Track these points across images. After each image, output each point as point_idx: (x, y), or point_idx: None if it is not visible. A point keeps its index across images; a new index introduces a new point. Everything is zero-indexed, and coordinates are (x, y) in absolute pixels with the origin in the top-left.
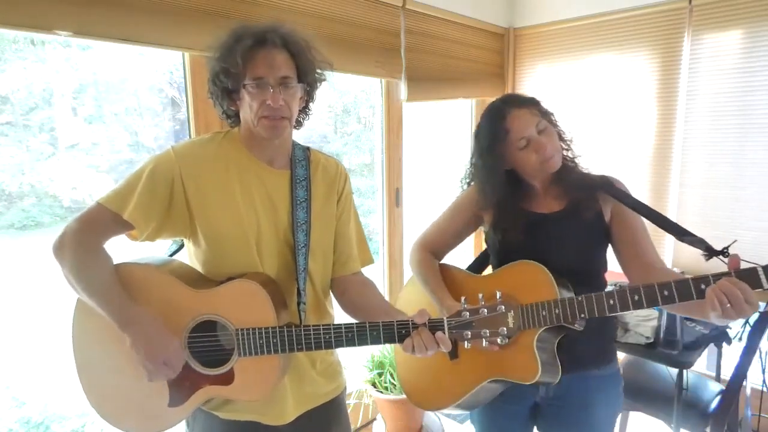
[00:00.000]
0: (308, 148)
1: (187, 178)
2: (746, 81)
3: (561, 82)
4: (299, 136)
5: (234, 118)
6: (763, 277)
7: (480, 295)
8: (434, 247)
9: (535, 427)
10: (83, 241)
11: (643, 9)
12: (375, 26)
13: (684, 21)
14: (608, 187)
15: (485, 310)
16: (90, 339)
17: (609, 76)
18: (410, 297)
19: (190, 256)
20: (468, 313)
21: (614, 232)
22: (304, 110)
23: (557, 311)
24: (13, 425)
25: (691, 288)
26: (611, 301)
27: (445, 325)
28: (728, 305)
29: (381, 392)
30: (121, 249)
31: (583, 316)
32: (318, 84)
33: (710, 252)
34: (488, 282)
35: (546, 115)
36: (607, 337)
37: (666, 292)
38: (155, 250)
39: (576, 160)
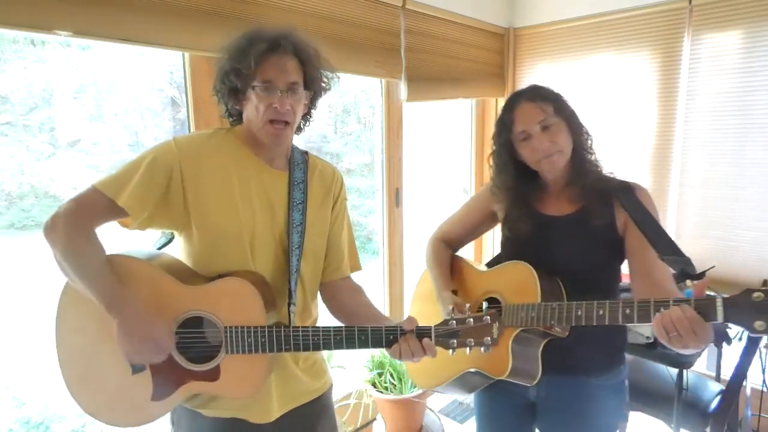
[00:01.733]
0: (306, 153)
1: (187, 170)
2: (746, 81)
3: (561, 82)
4: (301, 137)
5: (236, 117)
6: (720, 309)
7: (467, 305)
8: (449, 237)
9: (537, 429)
10: (76, 223)
11: (643, 9)
12: (375, 26)
13: (684, 21)
14: (624, 194)
15: (471, 320)
16: (74, 329)
17: (609, 76)
18: (424, 288)
19: (180, 250)
20: (455, 322)
21: (626, 243)
22: (306, 117)
23: (533, 314)
24: (13, 425)
25: (650, 311)
26: (579, 313)
27: (432, 334)
28: (675, 334)
29: (381, 392)
30: (110, 237)
31: (552, 323)
32: (323, 93)
33: (682, 275)
34: (486, 278)
35: (562, 112)
36: (609, 347)
37: (627, 311)
38: (144, 242)
39: (598, 164)
